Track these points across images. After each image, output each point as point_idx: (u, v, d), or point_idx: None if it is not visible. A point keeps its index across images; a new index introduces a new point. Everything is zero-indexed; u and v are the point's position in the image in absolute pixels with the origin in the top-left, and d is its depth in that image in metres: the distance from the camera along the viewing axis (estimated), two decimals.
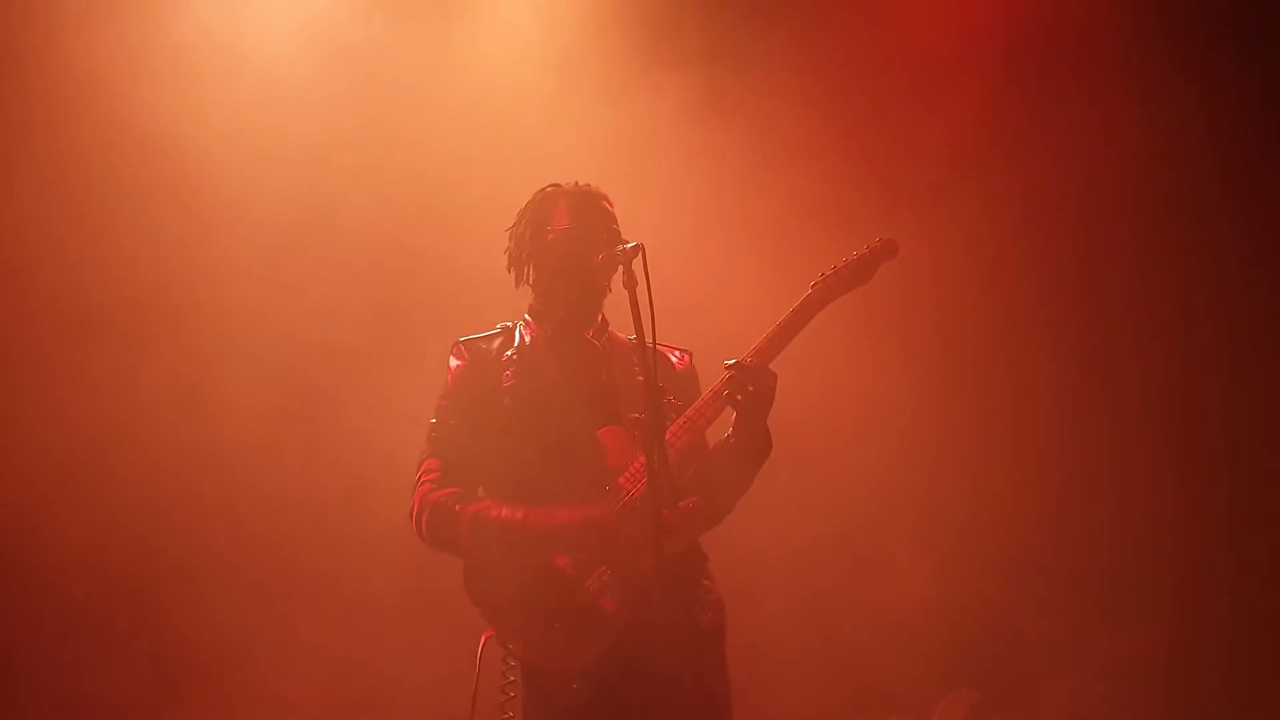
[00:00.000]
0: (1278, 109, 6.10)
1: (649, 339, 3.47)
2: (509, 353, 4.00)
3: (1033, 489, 6.01)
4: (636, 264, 3.54)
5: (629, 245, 3.59)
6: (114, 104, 5.34)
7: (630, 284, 3.53)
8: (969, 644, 5.92)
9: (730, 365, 3.74)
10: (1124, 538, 6.02)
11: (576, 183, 4.05)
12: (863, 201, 5.86)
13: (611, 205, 4.02)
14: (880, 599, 5.96)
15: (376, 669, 5.40)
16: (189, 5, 5.45)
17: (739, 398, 3.72)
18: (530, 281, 4.08)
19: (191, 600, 5.33)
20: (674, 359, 4.12)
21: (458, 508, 3.83)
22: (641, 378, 3.55)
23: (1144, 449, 6.07)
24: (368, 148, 5.65)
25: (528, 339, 4.03)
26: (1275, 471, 6.03)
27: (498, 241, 4.14)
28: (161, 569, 5.33)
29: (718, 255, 5.68)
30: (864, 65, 6.05)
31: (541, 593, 3.74)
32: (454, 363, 4.02)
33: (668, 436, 3.66)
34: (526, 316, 4.10)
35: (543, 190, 4.10)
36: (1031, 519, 6.01)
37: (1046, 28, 6.12)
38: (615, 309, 4.02)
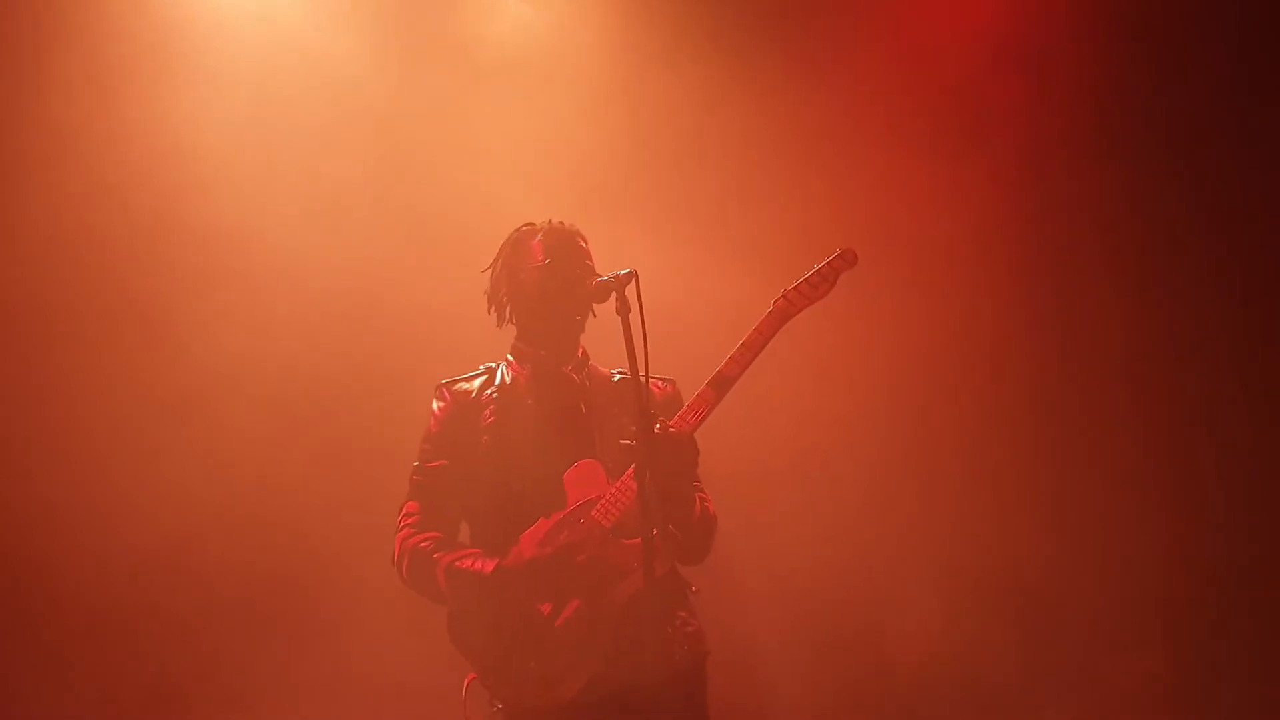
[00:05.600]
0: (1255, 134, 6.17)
1: (642, 366, 3.51)
2: (489, 392, 4.07)
3: (1025, 516, 6.02)
4: (630, 290, 3.59)
5: (623, 272, 3.64)
6: (113, 110, 5.35)
7: (623, 310, 3.57)
8: (963, 675, 5.92)
9: (653, 432, 3.62)
10: (1119, 564, 6.02)
11: (551, 220, 4.12)
12: (851, 220, 5.88)
13: (586, 242, 4.09)
14: (874, 630, 5.96)
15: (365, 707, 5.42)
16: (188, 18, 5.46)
17: (646, 478, 3.58)
18: (511, 320, 4.15)
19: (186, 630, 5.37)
20: (656, 386, 4.14)
21: (435, 555, 3.89)
22: (627, 411, 3.58)
23: (1136, 471, 6.09)
24: (370, 163, 5.65)
25: (509, 378, 4.09)
26: (1269, 492, 6.05)
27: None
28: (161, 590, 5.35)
29: (707, 271, 5.69)
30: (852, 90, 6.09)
31: (517, 633, 3.80)
32: (436, 405, 4.09)
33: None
34: (509, 356, 4.16)
35: (518, 230, 4.17)
36: (1024, 547, 6.00)
37: (1033, 64, 6.23)
38: (595, 341, 4.11)
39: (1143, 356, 6.13)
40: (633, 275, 3.61)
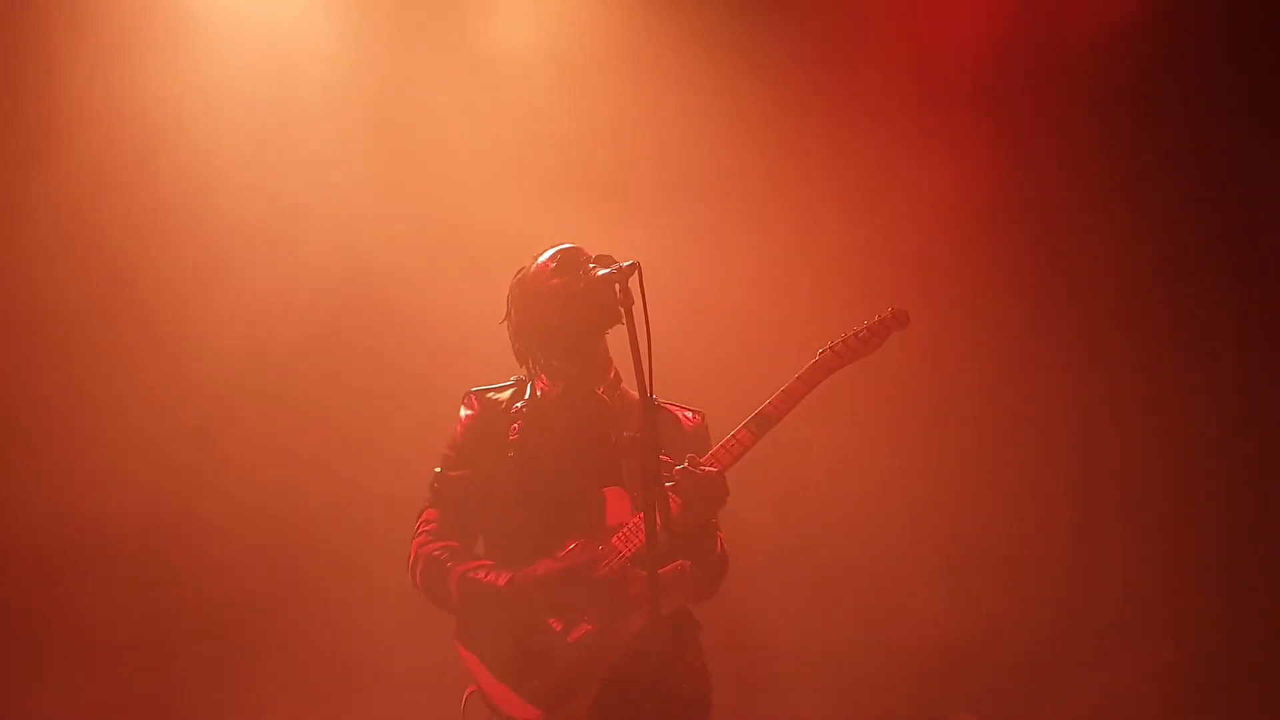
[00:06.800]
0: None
1: (645, 359, 3.48)
2: (519, 405, 4.05)
3: (1031, 508, 5.99)
4: (633, 283, 3.57)
5: (625, 264, 3.63)
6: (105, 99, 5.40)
7: (626, 303, 3.55)
8: (968, 666, 5.88)
9: (680, 470, 3.70)
10: (1125, 555, 5.97)
11: (549, 249, 4.07)
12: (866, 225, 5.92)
13: (591, 255, 4.02)
14: (879, 620, 5.91)
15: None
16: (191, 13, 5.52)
17: (672, 506, 3.63)
18: (543, 365, 4.08)
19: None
20: (684, 418, 4.13)
21: (449, 564, 3.88)
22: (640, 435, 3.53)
23: (1142, 469, 6.06)
24: (372, 160, 5.68)
25: (539, 393, 4.07)
26: (1273, 486, 6.03)
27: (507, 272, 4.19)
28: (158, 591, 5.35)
29: (708, 268, 5.67)
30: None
31: (525, 650, 3.77)
32: (464, 413, 4.08)
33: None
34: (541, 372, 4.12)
35: (517, 274, 4.13)
36: (1030, 537, 5.96)
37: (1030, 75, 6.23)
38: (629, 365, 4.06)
39: (1148, 352, 6.11)
40: (635, 267, 3.59)
